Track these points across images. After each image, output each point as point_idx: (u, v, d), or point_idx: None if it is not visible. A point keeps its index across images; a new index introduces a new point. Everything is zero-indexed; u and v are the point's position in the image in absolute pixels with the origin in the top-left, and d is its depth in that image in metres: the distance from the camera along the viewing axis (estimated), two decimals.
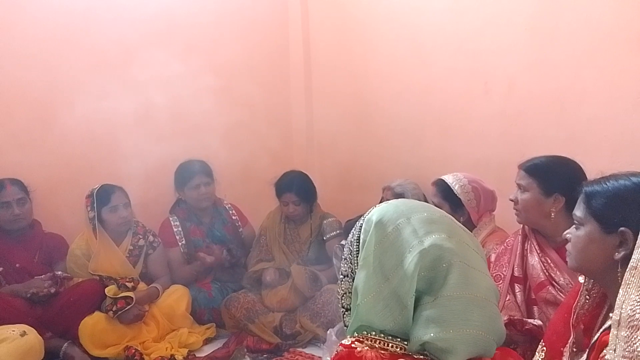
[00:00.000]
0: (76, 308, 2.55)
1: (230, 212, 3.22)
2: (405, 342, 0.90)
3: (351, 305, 0.99)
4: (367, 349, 0.89)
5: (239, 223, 3.21)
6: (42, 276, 2.57)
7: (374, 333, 0.92)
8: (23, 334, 2.22)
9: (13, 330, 2.22)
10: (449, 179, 2.27)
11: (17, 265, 2.61)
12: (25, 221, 2.66)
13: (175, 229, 3.02)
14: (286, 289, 2.87)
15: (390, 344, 0.90)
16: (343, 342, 0.92)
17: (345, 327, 1.00)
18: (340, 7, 3.41)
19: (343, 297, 1.03)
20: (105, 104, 2.95)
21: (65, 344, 2.50)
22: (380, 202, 3.12)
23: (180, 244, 3.01)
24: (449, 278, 0.89)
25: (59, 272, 2.63)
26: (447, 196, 2.26)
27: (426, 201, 2.49)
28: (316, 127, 3.66)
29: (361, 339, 0.91)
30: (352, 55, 3.39)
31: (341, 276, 1.04)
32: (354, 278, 0.99)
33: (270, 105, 3.48)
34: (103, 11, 2.92)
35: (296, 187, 2.96)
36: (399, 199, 1.08)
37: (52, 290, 2.53)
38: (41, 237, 2.75)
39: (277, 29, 3.58)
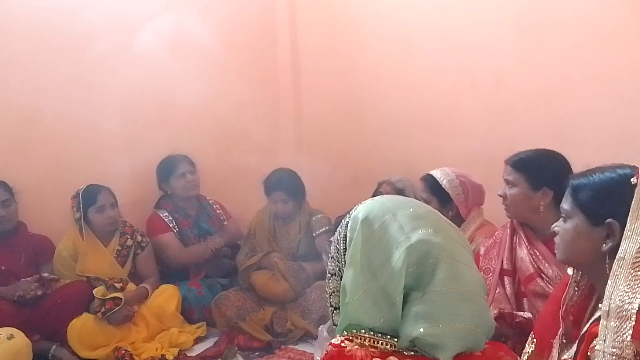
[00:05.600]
0: (64, 310, 2.52)
1: (214, 206, 3.23)
2: (395, 339, 0.90)
3: (340, 304, 0.99)
4: (357, 348, 0.88)
5: (223, 217, 3.22)
6: (29, 278, 2.54)
7: (363, 331, 0.91)
8: (10, 337, 2.19)
9: (0, 333, 2.19)
10: (437, 174, 2.27)
11: (3, 267, 2.58)
12: (11, 223, 2.62)
13: (166, 219, 3.00)
14: (285, 283, 2.85)
15: (380, 342, 0.90)
16: (332, 341, 0.91)
17: (334, 326, 0.99)
18: (328, 5, 3.40)
19: (331, 296, 1.03)
20: (91, 103, 2.92)
21: (54, 346, 2.48)
22: (374, 195, 3.10)
23: (174, 230, 2.99)
24: (436, 273, 0.89)
25: (46, 274, 2.60)
26: (435, 191, 2.26)
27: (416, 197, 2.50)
28: (305, 125, 3.65)
29: (351, 338, 0.91)
30: (340, 52, 3.39)
31: (329, 275, 1.04)
32: (341, 276, 0.99)
33: (258, 103, 3.47)
34: (87, 11, 2.86)
35: (285, 185, 2.96)
36: (384, 196, 1.07)
37: (39, 292, 2.50)
38: (27, 239, 2.72)
39: (265, 26, 3.56)
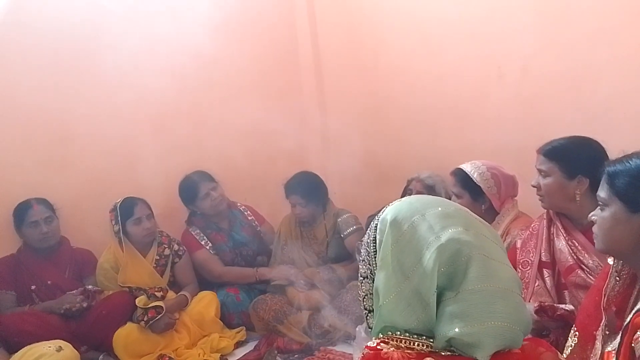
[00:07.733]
0: (109, 320, 2.60)
1: (246, 213, 3.24)
2: (431, 340, 0.89)
3: (373, 307, 0.98)
4: (393, 350, 0.88)
5: (256, 223, 3.23)
6: (74, 291, 2.63)
7: (398, 333, 0.91)
8: (59, 349, 2.26)
9: (49, 346, 2.27)
10: (467, 167, 2.24)
11: (49, 282, 2.67)
12: (54, 239, 2.71)
13: (197, 236, 3.04)
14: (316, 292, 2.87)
15: (416, 343, 0.89)
16: (368, 344, 0.91)
17: (369, 329, 0.99)
18: (347, 4, 3.40)
19: (364, 299, 1.03)
20: (121, 118, 3.00)
21: (101, 356, 2.57)
22: (404, 193, 3.05)
23: (207, 246, 3.03)
24: (469, 271, 0.88)
25: (90, 286, 2.68)
26: (466, 185, 2.23)
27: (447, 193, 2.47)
28: (330, 125, 3.66)
29: (386, 340, 0.91)
30: (361, 50, 3.38)
31: (361, 278, 1.03)
32: (373, 279, 0.99)
33: (284, 107, 3.50)
34: (113, 30, 2.94)
35: (301, 189, 2.95)
36: (412, 196, 1.07)
37: (85, 304, 2.59)
38: (70, 253, 2.80)
39: (286, 31, 3.60)
